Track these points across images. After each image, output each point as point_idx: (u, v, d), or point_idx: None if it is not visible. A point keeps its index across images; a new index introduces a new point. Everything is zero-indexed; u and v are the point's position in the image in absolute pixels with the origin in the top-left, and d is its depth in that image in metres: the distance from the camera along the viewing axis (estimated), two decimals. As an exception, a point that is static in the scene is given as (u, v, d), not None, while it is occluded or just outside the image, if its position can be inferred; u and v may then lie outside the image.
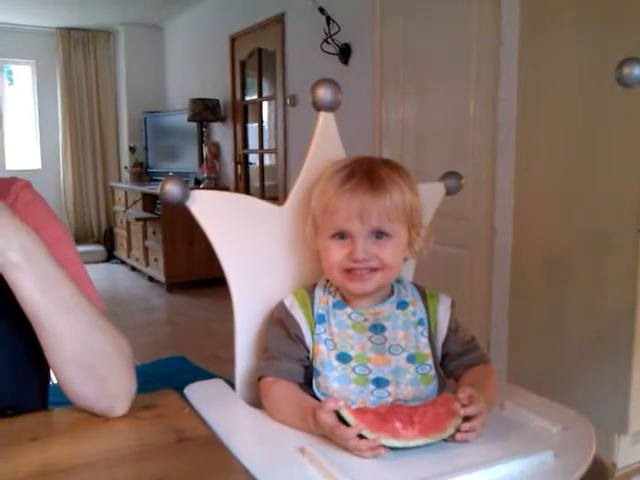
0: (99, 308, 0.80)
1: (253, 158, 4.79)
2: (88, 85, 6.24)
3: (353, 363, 0.88)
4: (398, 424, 0.75)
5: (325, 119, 1.02)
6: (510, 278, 2.33)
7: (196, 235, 4.26)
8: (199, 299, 4.53)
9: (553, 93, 2.10)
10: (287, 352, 0.91)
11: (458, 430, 0.76)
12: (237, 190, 4.69)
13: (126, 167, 6.20)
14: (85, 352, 0.76)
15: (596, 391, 1.98)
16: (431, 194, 1.08)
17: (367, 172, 0.88)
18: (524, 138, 2.23)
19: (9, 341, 0.81)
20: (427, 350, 0.91)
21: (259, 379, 0.91)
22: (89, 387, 0.78)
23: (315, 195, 0.93)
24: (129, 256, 5.67)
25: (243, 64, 4.67)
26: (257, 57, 4.47)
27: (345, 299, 0.93)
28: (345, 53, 3.30)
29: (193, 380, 0.98)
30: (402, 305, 0.93)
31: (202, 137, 5.14)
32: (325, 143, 1.02)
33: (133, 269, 5.61)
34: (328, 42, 3.34)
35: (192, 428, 0.78)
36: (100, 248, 6.18)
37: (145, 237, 5.19)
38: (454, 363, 0.93)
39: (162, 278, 4.85)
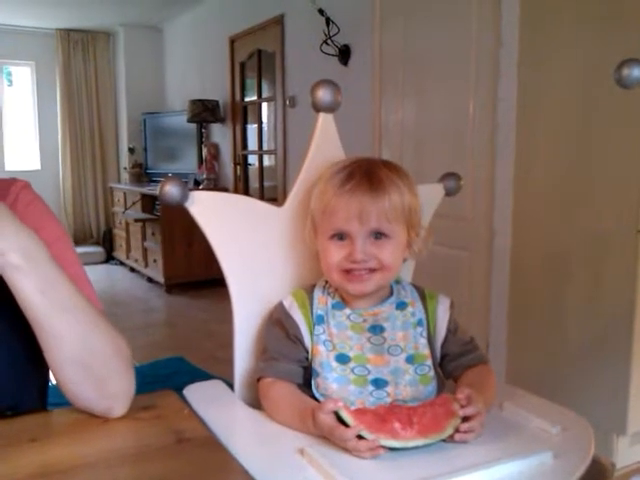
0: (98, 309, 0.81)
1: (252, 159, 4.79)
2: (87, 86, 6.24)
3: (352, 364, 0.88)
4: (397, 425, 0.75)
5: (324, 120, 1.02)
6: (509, 279, 2.33)
7: (195, 236, 4.27)
8: (198, 300, 4.53)
9: (552, 94, 2.11)
10: (286, 353, 0.91)
11: (457, 430, 0.76)
12: (236, 191, 4.69)
13: (125, 168, 6.20)
14: (84, 353, 0.76)
15: (595, 392, 1.98)
16: (430, 195, 1.08)
17: (366, 173, 0.88)
18: (523, 139, 2.23)
19: (8, 342, 0.81)
20: (426, 351, 0.91)
21: (258, 380, 0.91)
22: (88, 388, 0.78)
23: (314, 196, 0.93)
24: (128, 257, 5.67)
25: (243, 65, 4.67)
26: (257, 58, 4.47)
27: (344, 300, 0.93)
28: (344, 54, 3.31)
29: (192, 381, 0.97)
30: (401, 306, 0.93)
31: (201, 138, 5.14)
32: (324, 144, 1.02)
33: (132, 270, 5.61)
34: (327, 43, 3.34)
35: (191, 429, 0.78)
36: (99, 249, 6.18)
37: (144, 238, 5.19)
38: (453, 364, 0.93)
39: (161, 279, 4.85)
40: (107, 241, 6.23)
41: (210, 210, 0.95)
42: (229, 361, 1.00)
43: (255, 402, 0.93)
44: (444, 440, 0.76)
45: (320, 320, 0.92)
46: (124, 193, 5.69)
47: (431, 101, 2.70)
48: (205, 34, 5.16)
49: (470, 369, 0.92)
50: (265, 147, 4.62)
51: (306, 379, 0.90)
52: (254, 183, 4.78)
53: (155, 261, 4.98)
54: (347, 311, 0.92)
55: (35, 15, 5.48)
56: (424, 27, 2.71)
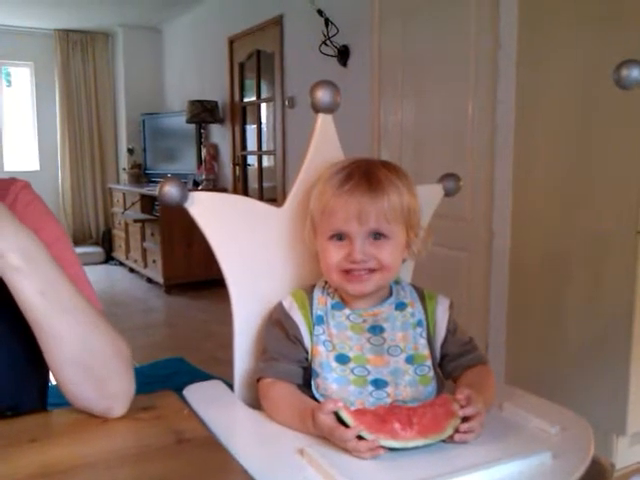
0: (98, 309, 0.81)
1: (252, 160, 4.79)
2: (86, 87, 6.24)
3: (352, 364, 0.88)
4: (397, 425, 0.75)
5: (324, 121, 1.02)
6: (508, 279, 2.33)
7: (194, 236, 4.27)
8: (198, 301, 4.53)
9: (551, 95, 2.11)
10: (286, 353, 0.91)
11: (457, 431, 0.76)
12: (235, 192, 4.69)
13: (124, 169, 6.20)
14: (84, 353, 0.76)
15: (595, 392, 1.98)
16: (429, 196, 1.08)
17: (365, 174, 0.88)
18: (522, 140, 2.23)
19: (8, 343, 0.81)
20: (426, 351, 0.91)
21: (258, 380, 0.91)
22: (88, 388, 0.78)
23: (313, 196, 0.93)
24: (127, 257, 5.67)
25: (242, 66, 4.67)
26: (256, 59, 4.48)
27: (344, 300, 0.93)
28: (344, 55, 3.31)
29: (192, 381, 0.98)
30: (401, 306, 0.93)
31: (200, 139, 5.14)
32: (324, 145, 1.03)
33: (131, 271, 5.61)
34: (327, 44, 3.35)
35: (191, 429, 0.78)
36: (98, 250, 6.18)
37: (143, 239, 5.19)
38: (453, 364, 0.93)
39: (160, 280, 4.85)
40: (106, 241, 6.23)
41: (209, 211, 0.95)
42: (229, 361, 1.00)
43: (255, 402, 0.93)
44: (444, 440, 0.76)
45: (320, 320, 0.92)
46: (123, 194, 5.69)
47: (430, 102, 2.70)
48: (204, 35, 5.16)
49: (469, 369, 0.92)
50: (264, 148, 4.62)
51: (306, 379, 0.90)
52: (253, 184, 4.78)
53: (154, 261, 4.98)
54: (347, 311, 0.92)
55: (34, 15, 5.48)
56: (423, 28, 2.71)
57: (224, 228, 0.97)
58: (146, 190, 5.14)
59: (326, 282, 0.95)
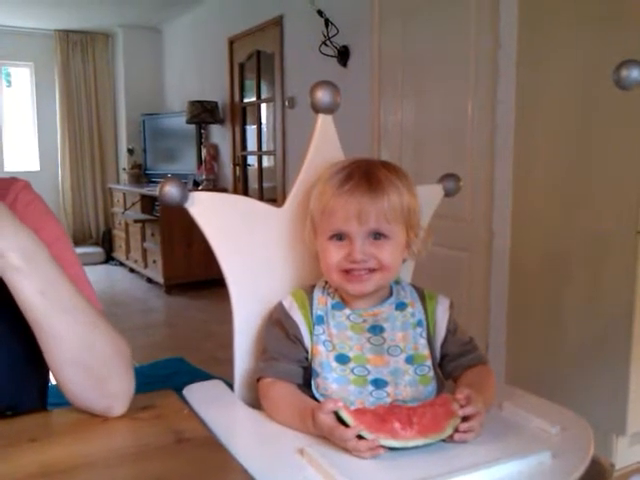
0: (98, 309, 0.81)
1: (252, 160, 4.79)
2: (86, 87, 6.24)
3: (352, 364, 0.88)
4: (397, 425, 0.75)
5: (324, 121, 1.02)
6: (509, 279, 2.33)
7: (195, 237, 4.27)
8: (198, 301, 4.53)
9: (551, 95, 2.11)
10: (286, 353, 0.91)
11: (456, 430, 0.76)
12: (235, 192, 4.70)
13: (124, 169, 6.20)
14: (84, 353, 0.76)
15: (594, 392, 1.99)
16: (429, 196, 1.08)
17: (365, 174, 0.88)
18: (522, 140, 2.23)
19: (8, 343, 0.81)
20: (426, 351, 0.91)
21: (258, 380, 0.92)
22: (88, 388, 0.78)
23: (313, 197, 0.93)
24: (128, 258, 5.67)
25: (242, 66, 4.67)
26: (256, 59, 4.48)
27: (344, 300, 0.93)
28: (344, 55, 3.31)
29: (192, 381, 0.98)
30: (401, 306, 0.93)
31: (201, 139, 5.15)
32: (324, 145, 1.03)
33: (132, 271, 5.61)
34: (326, 44, 3.35)
35: (191, 429, 0.78)
36: (98, 250, 6.18)
37: (144, 239, 5.19)
38: (453, 364, 0.93)
39: (161, 280, 4.85)
40: (106, 242, 6.23)
41: (210, 211, 0.95)
42: (229, 361, 1.00)
43: (255, 402, 0.93)
44: (444, 440, 0.76)
45: (320, 320, 0.92)
46: (123, 194, 5.69)
47: (430, 102, 2.71)
48: (204, 35, 5.17)
49: (469, 369, 0.92)
50: (264, 148, 4.62)
51: (306, 379, 0.90)
52: (253, 184, 4.78)
53: (155, 262, 4.98)
54: (347, 311, 0.92)
55: (34, 16, 5.48)
56: (423, 28, 2.72)
57: (224, 228, 0.97)
58: (146, 190, 5.14)
59: (326, 282, 0.95)
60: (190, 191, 0.93)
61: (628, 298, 1.87)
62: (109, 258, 6.14)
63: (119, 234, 5.87)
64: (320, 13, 3.35)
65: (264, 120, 4.69)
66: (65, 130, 6.15)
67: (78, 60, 6.18)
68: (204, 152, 5.05)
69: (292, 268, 1.02)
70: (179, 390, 0.93)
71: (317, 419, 0.77)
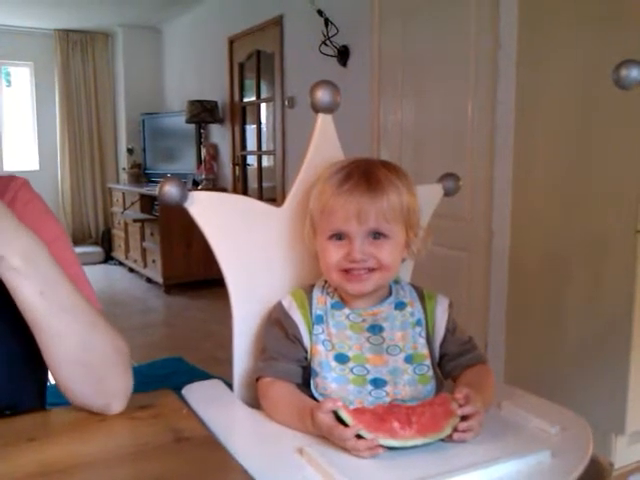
0: (97, 309, 0.81)
1: (251, 160, 4.79)
2: (86, 87, 6.24)
3: (351, 364, 0.88)
4: (396, 424, 0.75)
5: (323, 121, 1.02)
6: (508, 279, 2.33)
7: (194, 236, 4.27)
8: (197, 300, 4.53)
9: (551, 95, 2.11)
10: (285, 353, 0.91)
11: (456, 430, 0.76)
12: (235, 191, 4.69)
13: (124, 168, 6.20)
14: (83, 352, 0.76)
15: (594, 392, 1.99)
16: (429, 195, 1.08)
17: (365, 173, 0.88)
18: (522, 140, 2.23)
19: (7, 342, 0.81)
20: (425, 351, 0.91)
21: (257, 380, 0.92)
22: (87, 386, 0.78)
23: (313, 196, 0.93)
24: (127, 257, 5.67)
25: (241, 66, 4.67)
26: (255, 59, 4.48)
27: (343, 300, 0.93)
28: (343, 55, 3.31)
29: (190, 381, 0.97)
30: (400, 306, 0.93)
31: (200, 139, 5.14)
32: (323, 145, 1.03)
33: (131, 270, 5.61)
34: (326, 44, 3.35)
35: (190, 428, 0.78)
36: (98, 249, 6.18)
37: (143, 238, 5.19)
38: (452, 363, 0.93)
39: (160, 279, 4.85)
40: (106, 241, 6.22)
41: (209, 210, 0.95)
42: (228, 361, 1.00)
43: (254, 402, 0.93)
44: (443, 439, 0.76)
45: (319, 320, 0.92)
46: (123, 193, 5.69)
47: (430, 102, 2.71)
48: (204, 35, 5.17)
49: (469, 369, 0.92)
50: (264, 148, 4.62)
51: (305, 379, 0.90)
52: (253, 183, 4.78)
53: (154, 261, 4.98)
54: (346, 311, 0.92)
55: (34, 15, 5.48)
56: (423, 28, 2.72)
57: (223, 228, 0.97)
58: (146, 190, 5.14)
59: (326, 282, 0.95)
60: (189, 191, 0.93)
61: (627, 298, 1.87)
62: (108, 258, 6.14)
63: (118, 234, 5.87)
64: (320, 13, 3.35)
65: (264, 120, 4.69)
66: (65, 130, 6.15)
67: (78, 60, 6.18)
68: (204, 152, 5.05)
69: (291, 268, 1.02)
70: (177, 390, 0.93)
71: (316, 419, 0.77)
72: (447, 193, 1.11)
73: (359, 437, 0.73)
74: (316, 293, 0.94)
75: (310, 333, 0.91)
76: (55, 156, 6.20)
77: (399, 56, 2.86)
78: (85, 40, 6.19)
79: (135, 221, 5.24)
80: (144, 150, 6.00)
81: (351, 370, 0.88)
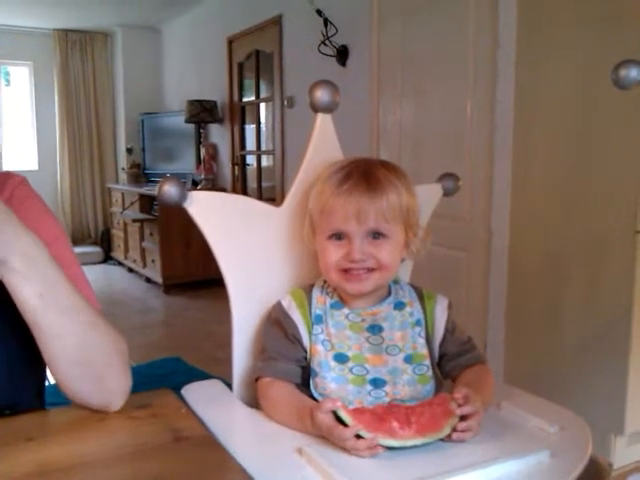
0: (96, 308, 0.81)
1: (250, 159, 4.79)
2: (85, 87, 6.24)
3: (350, 364, 0.88)
4: (395, 424, 0.75)
5: (323, 120, 1.02)
6: (507, 279, 2.33)
7: (193, 236, 4.27)
8: (196, 300, 4.53)
9: (550, 95, 2.11)
10: (284, 353, 0.91)
11: (455, 430, 0.76)
12: (234, 191, 4.69)
13: (123, 168, 6.20)
14: (82, 352, 0.76)
15: (593, 392, 1.99)
16: (428, 195, 1.08)
17: (364, 173, 0.88)
18: (521, 140, 2.23)
19: (6, 341, 0.81)
20: (424, 351, 0.91)
21: (256, 379, 0.91)
22: (87, 385, 0.78)
23: (312, 196, 0.93)
24: (126, 257, 5.67)
25: (241, 66, 4.67)
26: (255, 59, 4.48)
27: (343, 300, 0.93)
28: (342, 55, 3.31)
29: (189, 381, 0.97)
30: (399, 306, 0.93)
31: (199, 138, 5.14)
32: (323, 144, 1.03)
33: (130, 270, 5.61)
34: (325, 44, 3.35)
35: (189, 428, 0.78)
36: (97, 249, 6.18)
37: (142, 238, 5.19)
38: (451, 364, 0.93)
39: (159, 279, 4.84)
40: (105, 241, 6.22)
41: (208, 210, 0.95)
42: (227, 361, 1.00)
43: (254, 402, 0.93)
44: (442, 439, 0.76)
45: (318, 320, 0.92)
46: (122, 193, 5.69)
47: (429, 102, 2.70)
48: (203, 35, 5.16)
49: (468, 369, 0.92)
50: (263, 147, 4.62)
51: (304, 379, 0.90)
52: (252, 183, 4.78)
53: (153, 261, 4.97)
54: (346, 311, 0.92)
55: (33, 15, 5.48)
56: (422, 28, 2.71)
57: (223, 227, 0.97)
58: (145, 190, 5.14)
59: (325, 281, 0.95)
60: (189, 190, 0.93)
61: (627, 298, 1.87)
62: (107, 258, 6.13)
63: (118, 234, 5.87)
64: (319, 13, 3.35)
65: (263, 119, 4.69)
66: (64, 129, 6.15)
67: (77, 59, 6.17)
68: (203, 151, 5.05)
69: (291, 267, 1.02)
70: (176, 390, 0.93)
71: (316, 418, 0.77)
72: (446, 193, 1.11)
73: (358, 437, 0.73)
74: (315, 293, 0.94)
75: (309, 333, 0.91)
76: (54, 156, 6.20)
77: (398, 56, 2.86)
78: (84, 40, 6.18)
79: (134, 221, 5.24)
80: (143, 150, 6.00)
81: (350, 370, 0.88)
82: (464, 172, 2.35)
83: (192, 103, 4.85)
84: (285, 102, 3.97)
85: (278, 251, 1.01)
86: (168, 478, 0.67)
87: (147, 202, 5.11)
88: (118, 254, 5.92)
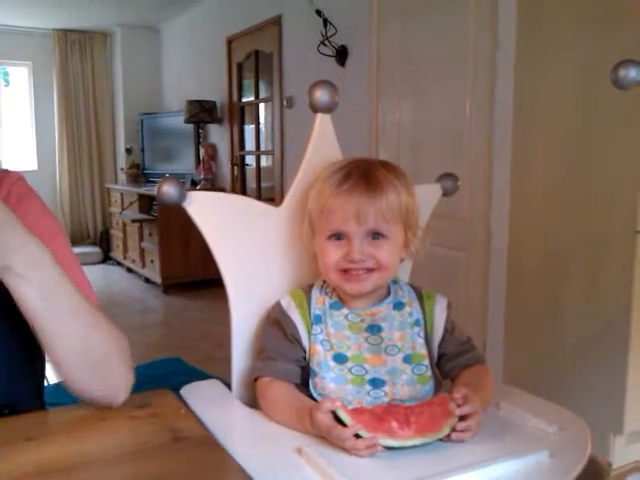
0: (97, 306, 0.81)
1: (250, 160, 4.79)
2: (85, 87, 6.24)
3: (349, 364, 0.88)
4: (394, 424, 0.75)
5: (322, 121, 1.02)
6: (506, 279, 2.33)
7: (192, 236, 4.26)
8: (195, 300, 4.52)
9: (550, 95, 2.11)
10: (284, 353, 0.91)
11: (454, 430, 0.76)
12: (234, 191, 4.69)
13: (122, 168, 6.20)
14: (86, 351, 0.77)
15: (592, 391, 1.99)
16: (428, 195, 1.08)
17: (364, 173, 0.88)
18: (520, 139, 2.23)
19: (5, 341, 0.81)
20: (423, 351, 0.91)
21: (256, 379, 0.91)
22: (91, 383, 0.78)
23: (312, 196, 0.93)
24: (125, 257, 5.66)
25: (240, 66, 4.67)
26: (254, 59, 4.47)
27: (342, 300, 0.93)
28: (342, 55, 3.31)
29: (188, 381, 0.97)
30: (398, 306, 0.93)
31: (199, 139, 5.14)
32: (322, 145, 1.03)
33: (129, 270, 5.61)
34: (325, 44, 3.35)
35: (188, 428, 0.78)
36: (96, 249, 6.17)
37: (141, 238, 5.18)
38: (450, 364, 0.93)
39: (158, 279, 4.84)
40: (104, 241, 6.22)
41: (208, 210, 0.95)
42: (226, 361, 1.00)
43: (253, 402, 0.93)
44: (441, 439, 0.76)
45: (318, 320, 0.92)
46: (121, 193, 5.68)
47: (428, 102, 2.71)
48: (202, 35, 5.16)
49: (467, 369, 0.92)
50: (262, 147, 4.62)
51: (304, 379, 0.90)
52: (251, 183, 4.78)
53: (152, 261, 4.97)
54: (345, 311, 0.92)
55: (32, 15, 5.47)
56: (421, 28, 2.72)
57: (222, 228, 0.97)
58: (144, 190, 5.13)
59: (324, 282, 0.95)
60: (188, 191, 0.93)
61: (626, 298, 1.87)
62: (106, 258, 6.13)
63: (117, 234, 5.87)
64: (318, 13, 3.35)
65: (262, 120, 4.69)
66: (63, 129, 6.14)
67: (76, 59, 6.17)
68: (202, 152, 5.05)
69: (290, 268, 1.02)
70: (175, 390, 0.93)
71: (315, 418, 0.77)
72: (445, 193, 1.11)
73: (358, 437, 0.73)
74: (315, 293, 0.94)
75: (309, 333, 0.91)
76: (53, 156, 6.20)
77: (398, 56, 2.86)
78: (83, 40, 6.18)
79: (133, 221, 5.24)
80: (142, 150, 5.99)
81: (350, 370, 0.88)
82: (463, 172, 2.35)
83: (191, 103, 4.85)
84: (284, 102, 3.97)
85: (277, 251, 1.01)
86: (168, 478, 0.67)
87: (146, 202, 5.10)
88: (117, 254, 5.92)
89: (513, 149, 2.26)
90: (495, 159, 2.35)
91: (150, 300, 4.69)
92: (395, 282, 0.96)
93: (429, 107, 2.70)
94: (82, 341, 0.76)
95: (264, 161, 4.64)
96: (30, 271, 0.71)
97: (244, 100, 4.74)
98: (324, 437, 0.76)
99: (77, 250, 5.39)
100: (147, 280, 5.14)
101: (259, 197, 4.50)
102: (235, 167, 4.82)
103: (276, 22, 4.00)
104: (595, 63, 1.91)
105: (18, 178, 0.89)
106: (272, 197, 4.27)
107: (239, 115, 4.76)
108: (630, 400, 1.90)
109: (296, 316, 0.92)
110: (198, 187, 4.90)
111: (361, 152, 1.01)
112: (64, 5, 5.15)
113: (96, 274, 5.48)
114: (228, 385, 0.99)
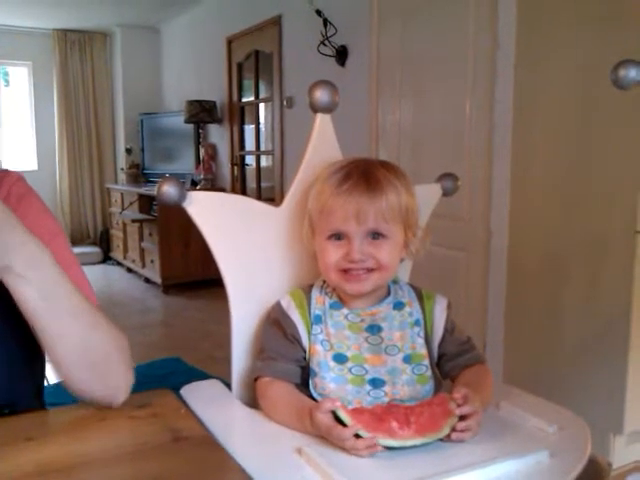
0: (97, 305, 0.81)
1: (250, 160, 4.79)
2: (84, 87, 6.24)
3: (349, 364, 0.88)
4: (394, 424, 0.75)
5: (322, 121, 1.02)
6: (506, 279, 2.33)
7: (192, 236, 4.26)
8: (195, 300, 4.52)
9: (550, 95, 2.11)
10: (284, 353, 0.91)
11: (454, 430, 0.76)
12: (234, 191, 4.69)
13: (122, 169, 6.20)
14: (86, 351, 0.77)
15: (592, 391, 1.99)
16: (428, 195, 1.08)
17: (364, 173, 0.88)
18: (520, 139, 2.23)
19: (5, 341, 0.81)
20: (423, 351, 0.91)
21: (256, 379, 0.91)
22: (91, 383, 0.78)
23: (312, 196, 0.93)
24: (125, 257, 5.66)
25: (240, 66, 4.67)
26: (254, 59, 4.47)
27: (342, 300, 0.93)
28: (342, 55, 3.31)
29: (188, 381, 0.97)
30: (398, 306, 0.93)
31: (199, 139, 5.14)
32: (322, 145, 1.03)
33: (129, 270, 5.61)
34: (325, 44, 3.35)
35: (188, 428, 0.78)
36: (96, 249, 6.17)
37: (141, 238, 5.18)
38: (450, 364, 0.93)
39: (158, 279, 4.84)
40: (104, 241, 6.22)
41: (207, 210, 0.95)
42: (226, 361, 1.00)
43: (253, 402, 0.93)
44: (441, 439, 0.76)
45: (318, 320, 0.92)
46: (121, 194, 5.69)
47: (428, 102, 2.71)
48: (202, 35, 5.16)
49: (467, 369, 0.92)
50: (262, 148, 4.62)
51: (304, 379, 0.90)
52: (251, 183, 4.78)
53: (152, 261, 4.97)
54: (345, 311, 0.92)
55: (32, 15, 5.47)
56: (421, 28, 2.72)
57: (222, 228, 0.97)
58: (144, 190, 5.14)
59: (324, 282, 0.95)
60: (188, 191, 0.93)
61: (626, 298, 1.87)
62: (107, 258, 6.13)
63: (117, 234, 5.87)
64: (318, 13, 3.35)
65: (262, 120, 4.69)
66: (63, 129, 6.14)
67: (76, 59, 6.17)
68: (202, 152, 5.05)
69: (290, 268, 1.02)
70: (175, 390, 0.93)
71: (315, 418, 0.77)
72: (445, 193, 1.11)
73: (357, 437, 0.73)
74: (315, 293, 0.94)
75: (309, 333, 0.91)
76: (53, 156, 6.20)
77: (398, 56, 2.86)
78: (83, 40, 6.18)
79: (133, 221, 5.24)
80: (142, 150, 5.99)
81: (350, 370, 0.88)
82: (463, 172, 2.35)
83: (191, 103, 4.85)
84: (284, 102, 3.97)
85: (277, 251, 1.01)
86: (168, 478, 0.67)
87: (146, 202, 5.11)
88: (117, 254, 5.92)
89: (513, 149, 2.26)
90: (495, 159, 2.35)
91: (150, 300, 4.69)
92: (395, 282, 0.96)
93: (429, 107, 2.70)
94: (82, 341, 0.76)
95: (264, 161, 4.64)
96: (30, 271, 0.71)
97: (244, 100, 4.74)
98: (324, 437, 0.76)
99: (77, 250, 5.39)
100: (147, 280, 5.14)
101: (259, 197, 4.50)
102: (235, 167, 4.82)
103: (276, 22, 4.00)
104: (595, 63, 1.91)
105: (18, 178, 0.89)
106: (272, 197, 4.28)
107: (239, 115, 4.76)
108: (630, 400, 1.90)
109: (296, 316, 0.92)
110: (198, 187, 4.90)
111: (361, 152, 1.01)
112: (64, 5, 5.15)
113: (96, 274, 5.48)
114: (228, 385, 0.99)
